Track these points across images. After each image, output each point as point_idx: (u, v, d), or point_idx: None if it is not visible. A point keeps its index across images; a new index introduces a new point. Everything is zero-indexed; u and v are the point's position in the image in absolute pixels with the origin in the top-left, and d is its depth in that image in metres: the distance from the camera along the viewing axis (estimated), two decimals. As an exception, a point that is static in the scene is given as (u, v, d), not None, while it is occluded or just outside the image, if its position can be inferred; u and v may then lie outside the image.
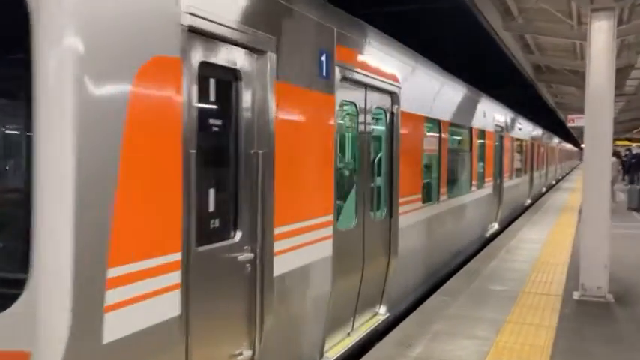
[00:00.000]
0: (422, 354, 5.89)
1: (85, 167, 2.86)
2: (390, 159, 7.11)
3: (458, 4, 12.81)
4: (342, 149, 6.35)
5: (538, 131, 25.52)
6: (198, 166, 3.65)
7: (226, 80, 4.15)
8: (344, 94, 5.76)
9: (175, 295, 3.44)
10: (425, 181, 8.62)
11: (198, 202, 3.68)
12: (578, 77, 18.38)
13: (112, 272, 3.00)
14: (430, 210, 8.78)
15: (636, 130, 45.50)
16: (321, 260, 5.30)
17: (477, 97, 12.59)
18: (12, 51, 3.08)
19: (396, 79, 7.11)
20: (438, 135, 9.30)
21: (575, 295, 8.22)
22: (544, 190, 28.95)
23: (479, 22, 12.69)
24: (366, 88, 6.35)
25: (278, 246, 4.54)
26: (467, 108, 11.60)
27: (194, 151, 3.59)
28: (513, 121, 17.67)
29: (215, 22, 3.75)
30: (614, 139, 37.54)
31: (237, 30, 3.98)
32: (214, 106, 4.09)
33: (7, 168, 3.40)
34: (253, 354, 4.34)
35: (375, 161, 6.90)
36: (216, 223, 4.05)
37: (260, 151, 4.31)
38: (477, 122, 12.35)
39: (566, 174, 52.80)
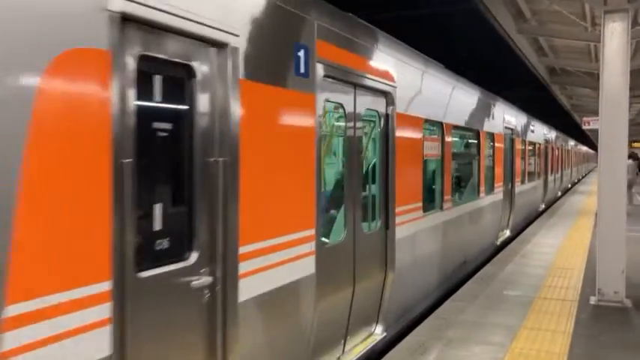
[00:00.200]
0: (436, 361, 5.84)
1: None
2: (385, 165, 6.54)
3: (471, 8, 12.80)
4: (327, 155, 5.89)
5: (552, 133, 25.17)
6: (137, 177, 3.12)
7: (176, 77, 3.60)
8: (328, 93, 5.25)
9: (103, 332, 2.90)
10: (426, 188, 8.04)
11: (137, 220, 3.14)
12: (593, 79, 18.23)
13: (11, 311, 2.47)
14: (433, 219, 8.23)
15: (653, 132, 45.00)
16: (301, 280, 4.73)
17: (485, 98, 12.02)
18: None
19: (390, 79, 6.58)
20: (440, 138, 8.73)
21: (592, 300, 8.12)
22: (559, 193, 28.68)
23: (492, 25, 12.64)
24: (355, 88, 5.81)
25: (244, 267, 3.97)
26: (473, 109, 11.00)
27: (129, 160, 3.06)
28: (525, 123, 17.26)
29: (157, 9, 3.20)
30: (631, 142, 37.27)
31: (188, 19, 3.43)
32: (160, 108, 3.54)
33: None
34: None
35: (368, 168, 6.46)
36: (164, 243, 3.47)
37: (221, 159, 3.77)
38: (485, 124, 11.79)
39: (583, 177, 52.37)
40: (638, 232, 13.82)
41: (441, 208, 8.68)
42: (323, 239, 5.28)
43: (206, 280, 3.68)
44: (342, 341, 5.75)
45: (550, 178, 23.80)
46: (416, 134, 7.48)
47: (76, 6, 2.78)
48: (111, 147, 2.93)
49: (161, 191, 3.53)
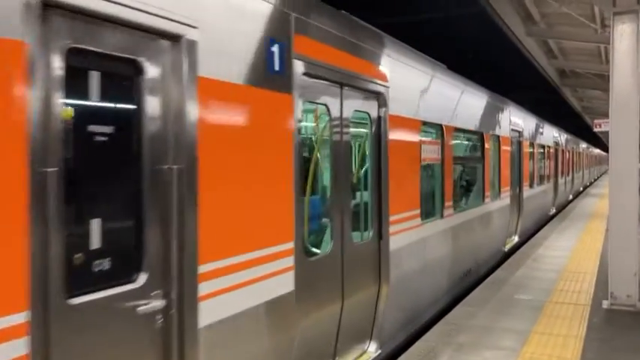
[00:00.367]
0: (446, 366, 5.80)
1: None
2: (377, 171, 6.07)
3: (480, 12, 12.77)
4: (309, 160, 5.43)
5: (562, 136, 24.92)
6: (68, 188, 2.72)
7: (120, 74, 3.16)
8: (309, 93, 4.83)
9: None
10: (425, 194, 7.59)
11: (67, 238, 2.73)
12: (603, 81, 18.12)
13: None
14: (432, 227, 7.75)
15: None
16: (278, 299, 4.30)
17: (490, 100, 11.47)
18: None
19: (383, 78, 6.14)
20: (439, 142, 8.23)
21: (605, 304, 8.05)
22: (571, 197, 28.46)
23: (500, 28, 12.61)
24: (341, 88, 5.39)
25: (206, 288, 3.54)
26: (477, 111, 10.47)
27: (54, 169, 2.63)
28: (534, 126, 16.91)
29: None
30: (643, 143, 36.99)
31: (130, 7, 2.99)
32: (98, 109, 3.09)
33: None
34: None
35: (359, 174, 6.09)
36: (104, 264, 3.03)
37: (175, 167, 3.34)
38: (490, 127, 11.23)
39: (595, 179, 52.01)
40: (651, 234, 13.69)
41: (442, 215, 8.24)
42: (308, 251, 4.99)
43: (158, 303, 3.27)
44: None
45: (561, 181, 23.57)
46: (412, 137, 7.05)
47: None
48: (28, 154, 2.51)
49: (100, 204, 3.08)
